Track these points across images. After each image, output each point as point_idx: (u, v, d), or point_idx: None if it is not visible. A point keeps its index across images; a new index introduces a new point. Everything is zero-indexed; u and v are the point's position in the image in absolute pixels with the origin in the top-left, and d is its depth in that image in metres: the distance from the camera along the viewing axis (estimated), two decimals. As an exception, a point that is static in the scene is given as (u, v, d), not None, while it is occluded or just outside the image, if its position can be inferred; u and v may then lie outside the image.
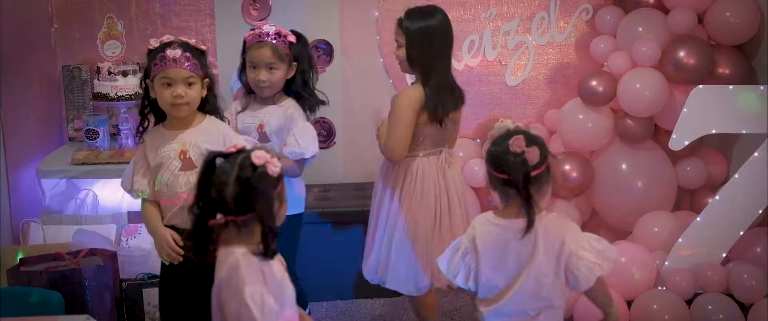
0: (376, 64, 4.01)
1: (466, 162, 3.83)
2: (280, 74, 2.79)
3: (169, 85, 2.38)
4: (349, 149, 4.08)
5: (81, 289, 2.81)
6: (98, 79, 3.53)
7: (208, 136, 2.46)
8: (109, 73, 3.51)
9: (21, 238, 3.33)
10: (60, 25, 3.87)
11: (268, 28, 2.80)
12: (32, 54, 3.64)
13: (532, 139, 2.07)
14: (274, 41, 2.77)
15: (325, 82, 3.96)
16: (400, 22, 2.78)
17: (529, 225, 2.05)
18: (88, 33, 3.84)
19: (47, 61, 3.82)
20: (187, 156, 2.43)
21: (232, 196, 1.77)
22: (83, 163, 3.41)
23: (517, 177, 2.04)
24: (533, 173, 2.05)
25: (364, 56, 4.01)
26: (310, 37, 3.91)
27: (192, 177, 2.38)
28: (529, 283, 2.09)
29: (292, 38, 2.83)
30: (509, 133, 2.10)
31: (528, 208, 2.05)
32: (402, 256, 2.81)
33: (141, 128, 2.52)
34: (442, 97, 2.76)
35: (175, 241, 2.41)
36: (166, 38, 2.43)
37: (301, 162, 2.80)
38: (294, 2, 3.92)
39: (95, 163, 3.39)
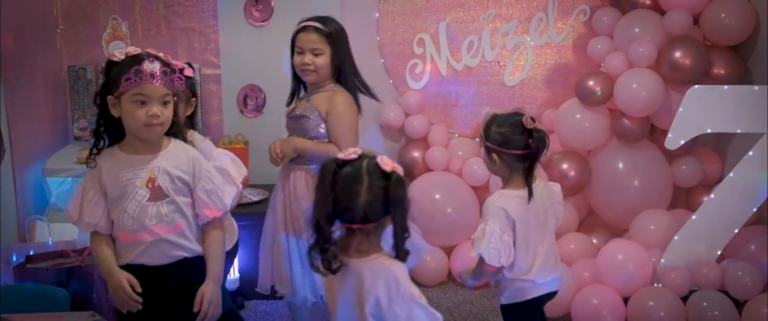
0: (376, 65, 4.01)
1: (465, 161, 3.84)
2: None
3: (143, 103, 2.05)
4: (350, 148, 4.08)
5: (86, 285, 2.81)
6: (103, 80, 3.53)
7: (177, 161, 2.15)
8: (114, 73, 3.50)
9: (27, 236, 3.34)
10: (65, 26, 3.88)
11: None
12: (38, 54, 3.64)
13: (531, 117, 2.31)
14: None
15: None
16: (317, 30, 2.69)
17: (530, 192, 2.32)
18: (93, 34, 3.85)
19: (53, 61, 3.82)
20: (157, 184, 2.11)
21: (368, 204, 1.71)
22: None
23: (542, 146, 2.29)
24: None
25: (365, 56, 3.99)
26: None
27: (162, 208, 2.11)
28: (552, 237, 2.43)
29: (189, 72, 2.64)
30: (508, 117, 2.33)
31: (530, 176, 2.32)
32: None
33: (95, 151, 2.16)
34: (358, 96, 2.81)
35: (132, 287, 2.10)
36: (133, 50, 2.11)
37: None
38: (295, 3, 3.93)
39: (100, 162, 3.39)
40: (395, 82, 4.01)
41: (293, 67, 2.78)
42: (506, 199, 2.32)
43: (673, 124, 3.22)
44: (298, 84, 2.84)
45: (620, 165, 3.64)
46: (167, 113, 2.10)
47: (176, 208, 2.13)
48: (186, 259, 2.17)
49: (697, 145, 3.64)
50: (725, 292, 3.13)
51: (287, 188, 2.74)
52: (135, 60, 2.07)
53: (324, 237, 1.73)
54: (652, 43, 3.48)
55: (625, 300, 3.21)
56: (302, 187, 2.71)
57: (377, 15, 3.96)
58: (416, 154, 3.91)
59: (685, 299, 3.15)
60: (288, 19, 3.81)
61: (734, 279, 3.11)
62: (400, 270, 1.77)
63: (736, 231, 3.23)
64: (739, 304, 3.12)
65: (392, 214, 1.74)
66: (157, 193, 2.11)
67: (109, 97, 2.09)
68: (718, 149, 3.76)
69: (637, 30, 3.57)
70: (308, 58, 2.69)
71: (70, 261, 2.91)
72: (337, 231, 1.75)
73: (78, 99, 3.83)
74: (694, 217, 3.26)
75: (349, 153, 1.77)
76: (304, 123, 2.71)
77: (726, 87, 3.26)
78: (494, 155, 2.32)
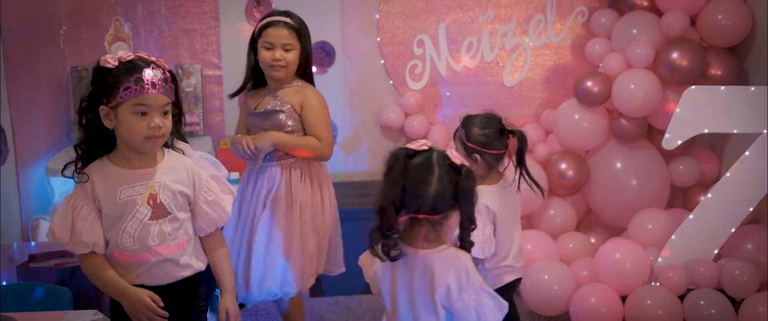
0: (376, 65, 4.01)
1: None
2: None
3: (143, 114, 1.88)
4: (350, 148, 4.09)
5: (88, 285, 2.81)
6: (106, 80, 3.53)
7: (177, 175, 1.99)
8: (117, 74, 3.50)
9: (30, 235, 3.33)
10: (68, 28, 3.88)
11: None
12: (41, 55, 3.64)
13: None
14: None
15: (326, 83, 3.99)
16: (287, 25, 2.64)
17: (528, 184, 2.43)
18: (96, 35, 3.85)
19: (56, 62, 3.82)
20: (158, 201, 1.94)
21: (437, 194, 1.74)
22: (91, 162, 3.41)
23: (525, 144, 2.38)
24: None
25: (365, 57, 4.01)
26: (313, 38, 3.93)
27: (165, 226, 1.95)
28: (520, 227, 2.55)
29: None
30: (488, 120, 2.42)
31: (524, 171, 2.41)
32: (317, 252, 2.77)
33: (80, 164, 1.94)
34: None
35: (154, 302, 1.93)
36: (125, 54, 1.90)
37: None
38: (296, 4, 3.92)
39: (103, 162, 3.39)
40: (395, 83, 4.01)
41: (255, 62, 2.70)
42: (485, 194, 2.36)
43: (671, 124, 3.22)
44: (253, 80, 2.76)
45: (618, 165, 3.64)
46: (168, 123, 1.94)
47: (179, 225, 1.99)
48: (186, 278, 2.04)
49: (694, 145, 3.64)
50: (722, 291, 3.13)
51: (261, 185, 2.68)
52: (133, 67, 1.87)
53: (388, 224, 1.74)
54: (649, 44, 3.48)
55: (623, 299, 3.20)
56: (282, 183, 2.65)
57: (377, 16, 3.96)
58: (416, 154, 3.91)
59: (682, 298, 3.15)
60: (289, 21, 3.83)
61: (731, 278, 3.11)
62: (468, 260, 1.80)
63: (733, 230, 3.23)
64: (735, 303, 3.12)
65: (461, 205, 1.76)
66: (160, 211, 1.95)
67: (103, 107, 1.89)
68: (715, 149, 3.76)
69: (634, 31, 3.57)
70: (279, 53, 2.63)
71: (73, 260, 2.91)
72: (401, 220, 1.77)
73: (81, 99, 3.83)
74: (691, 216, 3.26)
75: (420, 144, 1.79)
76: (280, 118, 2.66)
77: (723, 88, 3.26)
78: (476, 155, 2.40)
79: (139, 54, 1.91)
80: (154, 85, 1.87)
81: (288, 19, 2.66)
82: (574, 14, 3.93)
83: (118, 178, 1.93)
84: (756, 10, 3.48)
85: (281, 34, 2.63)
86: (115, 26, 3.71)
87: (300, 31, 2.67)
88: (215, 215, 2.05)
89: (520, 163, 2.39)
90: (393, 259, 1.78)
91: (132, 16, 3.87)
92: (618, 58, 3.56)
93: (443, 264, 1.78)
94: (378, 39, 3.98)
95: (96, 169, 1.93)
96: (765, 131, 3.12)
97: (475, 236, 2.25)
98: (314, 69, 3.88)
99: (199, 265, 2.06)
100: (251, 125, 2.74)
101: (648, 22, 3.57)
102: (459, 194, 1.75)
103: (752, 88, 3.21)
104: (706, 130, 3.26)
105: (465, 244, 1.81)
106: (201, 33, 3.94)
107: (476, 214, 2.28)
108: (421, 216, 1.75)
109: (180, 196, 1.99)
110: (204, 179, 2.05)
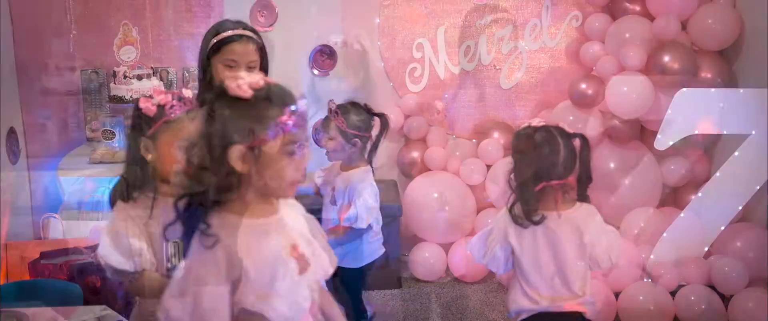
0: (376, 68, 4.01)
1: (463, 161, 3.83)
2: None
3: (292, 153, 1.44)
4: (351, 149, 4.09)
5: (98, 281, 2.81)
6: (114, 83, 3.54)
7: (297, 221, 1.60)
8: (125, 76, 3.51)
9: (41, 233, 3.34)
10: (78, 32, 3.88)
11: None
12: (52, 59, 3.65)
13: None
14: None
15: (328, 85, 3.99)
16: (253, 41, 2.25)
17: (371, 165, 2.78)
18: (105, 39, 3.85)
19: (66, 65, 3.83)
20: (300, 252, 1.53)
21: (565, 160, 1.92)
22: (100, 162, 3.42)
23: (389, 125, 2.72)
24: None
25: (366, 60, 4.01)
26: (315, 41, 3.94)
27: (311, 282, 1.56)
28: None
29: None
30: (359, 107, 2.60)
31: (374, 154, 2.76)
32: None
33: (206, 226, 1.40)
34: None
35: None
36: (253, 80, 1.43)
37: None
38: (299, 8, 3.93)
39: (112, 162, 3.40)
40: (395, 85, 4.01)
41: (209, 81, 2.24)
42: (367, 174, 2.61)
43: (663, 125, 3.22)
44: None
45: (611, 165, 3.64)
46: None
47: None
48: None
49: (685, 145, 3.63)
50: (712, 287, 3.13)
51: None
52: (281, 96, 1.44)
53: (530, 194, 1.93)
54: (641, 47, 3.48)
55: (617, 295, 3.21)
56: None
57: (378, 20, 3.96)
58: (415, 154, 3.91)
59: (673, 294, 3.15)
60: (292, 24, 3.84)
61: (721, 274, 3.11)
62: (595, 208, 2.07)
63: (723, 228, 3.23)
64: (725, 299, 3.12)
65: (582, 166, 1.98)
66: (303, 263, 1.53)
67: (237, 147, 1.39)
68: (706, 150, 3.76)
69: (627, 35, 3.57)
70: (243, 73, 2.27)
71: (83, 257, 2.91)
72: (536, 190, 1.98)
73: (90, 101, 3.84)
74: (682, 215, 3.26)
75: (537, 121, 1.99)
76: None
77: (713, 90, 3.26)
78: (356, 140, 2.54)
79: (267, 81, 1.47)
80: (303, 117, 1.47)
81: (253, 34, 2.27)
82: (569, 19, 3.93)
83: (252, 232, 1.46)
84: (745, 15, 3.48)
85: (248, 51, 2.22)
86: (124, 30, 3.71)
87: (263, 47, 2.30)
88: (328, 261, 1.66)
89: (377, 143, 2.57)
90: (537, 223, 1.97)
91: (140, 20, 3.87)
92: (611, 61, 3.56)
93: (585, 217, 2.02)
94: (378, 43, 3.98)
95: (219, 226, 1.42)
96: (754, 132, 3.12)
97: (374, 213, 2.56)
98: (316, 71, 3.93)
99: None
100: None
101: (640, 26, 3.57)
102: (579, 158, 1.94)
103: (741, 91, 3.21)
104: (696, 132, 3.26)
105: (585, 197, 2.04)
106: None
107: (369, 196, 2.55)
108: (554, 183, 1.93)
109: (311, 245, 1.61)
110: (314, 222, 1.68)
